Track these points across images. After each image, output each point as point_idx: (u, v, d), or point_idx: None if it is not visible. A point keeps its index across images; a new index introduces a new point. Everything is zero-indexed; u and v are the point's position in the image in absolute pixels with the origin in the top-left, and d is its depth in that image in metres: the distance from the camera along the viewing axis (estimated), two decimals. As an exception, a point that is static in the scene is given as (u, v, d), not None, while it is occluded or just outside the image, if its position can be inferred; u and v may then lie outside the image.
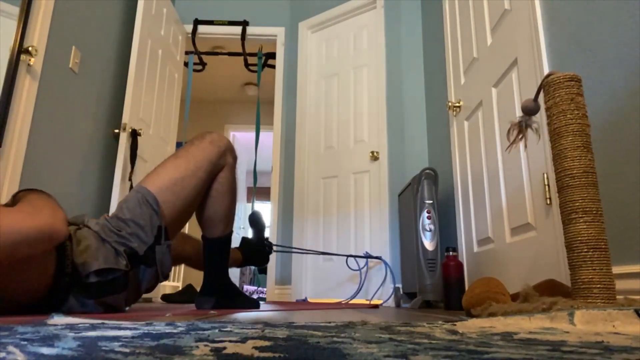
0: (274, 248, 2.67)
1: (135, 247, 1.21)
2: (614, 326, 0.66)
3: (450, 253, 2.05)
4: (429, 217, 2.37)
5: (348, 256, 2.99)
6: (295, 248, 3.21)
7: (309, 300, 3.18)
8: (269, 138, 4.33)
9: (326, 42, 3.72)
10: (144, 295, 3.14)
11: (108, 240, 1.18)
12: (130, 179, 2.75)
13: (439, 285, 2.24)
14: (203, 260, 1.59)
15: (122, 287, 1.20)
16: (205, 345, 0.42)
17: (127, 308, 1.32)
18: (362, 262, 3.00)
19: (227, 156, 1.50)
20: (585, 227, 0.91)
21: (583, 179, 0.93)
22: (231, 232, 1.60)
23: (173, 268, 3.96)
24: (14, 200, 1.06)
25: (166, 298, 3.18)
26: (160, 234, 1.27)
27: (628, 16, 1.20)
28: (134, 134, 2.84)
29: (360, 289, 2.95)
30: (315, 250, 3.27)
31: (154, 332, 0.55)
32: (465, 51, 2.37)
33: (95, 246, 1.15)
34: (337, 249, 3.18)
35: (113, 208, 2.45)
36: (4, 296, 1.01)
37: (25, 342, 0.42)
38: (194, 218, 1.56)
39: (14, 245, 0.90)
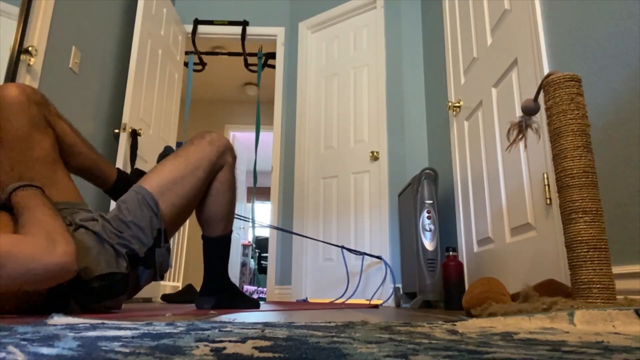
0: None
1: (136, 249, 1.21)
2: (614, 326, 0.66)
3: (450, 253, 2.05)
4: (429, 217, 2.37)
5: (343, 248, 2.99)
6: (278, 227, 3.20)
7: (309, 300, 3.18)
8: (269, 138, 4.33)
9: (326, 42, 3.72)
10: (144, 296, 3.15)
11: (109, 242, 1.16)
12: (130, 179, 2.74)
13: (439, 285, 2.23)
14: (203, 260, 1.58)
15: (123, 290, 1.19)
16: (205, 345, 0.42)
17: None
18: (361, 258, 3.00)
19: (226, 155, 1.50)
20: (585, 227, 0.91)
21: (583, 179, 0.93)
22: (231, 231, 1.60)
23: (173, 268, 3.96)
24: (14, 205, 1.01)
25: (166, 298, 3.18)
26: (159, 236, 1.27)
27: (628, 16, 1.20)
28: (134, 134, 2.84)
29: (358, 286, 2.95)
30: (315, 245, 3.27)
31: (154, 332, 0.55)
32: (465, 51, 2.37)
33: (96, 250, 1.13)
34: (337, 249, 3.18)
35: (112, 208, 2.45)
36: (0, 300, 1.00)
37: (25, 342, 0.42)
38: (193, 217, 1.56)
39: (24, 279, 0.87)
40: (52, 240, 0.92)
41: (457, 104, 2.44)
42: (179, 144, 3.80)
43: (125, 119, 2.77)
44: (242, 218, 3.25)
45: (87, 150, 1.36)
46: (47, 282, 0.93)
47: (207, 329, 0.59)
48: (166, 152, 1.56)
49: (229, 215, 1.57)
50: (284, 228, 3.44)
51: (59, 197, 1.19)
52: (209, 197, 1.49)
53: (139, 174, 1.50)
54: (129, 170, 2.77)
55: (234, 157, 1.55)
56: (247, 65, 4.41)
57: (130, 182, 1.39)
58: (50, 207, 1.02)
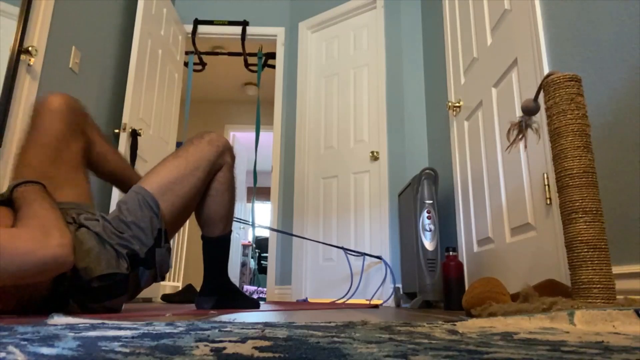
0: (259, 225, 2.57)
1: (137, 250, 1.21)
2: (614, 326, 0.66)
3: (450, 253, 2.05)
4: (429, 217, 2.37)
5: (345, 249, 2.99)
6: (281, 231, 3.20)
7: (309, 300, 3.18)
8: (269, 138, 4.33)
9: (326, 42, 3.72)
10: (144, 296, 3.15)
11: (109, 242, 1.16)
12: (130, 179, 2.75)
13: (439, 285, 2.23)
14: (203, 260, 1.58)
15: (123, 290, 1.19)
16: (205, 345, 0.42)
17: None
18: (361, 258, 3.00)
19: (225, 156, 1.51)
20: (585, 227, 0.91)
21: (583, 179, 0.93)
22: (230, 231, 1.60)
23: (173, 268, 3.96)
24: (14, 200, 1.03)
25: (166, 298, 3.18)
26: (160, 236, 1.27)
27: (628, 16, 1.20)
28: (134, 134, 2.84)
29: (358, 286, 2.95)
30: (314, 243, 3.27)
31: (154, 332, 0.55)
32: (465, 51, 2.37)
33: (96, 250, 1.13)
34: (336, 249, 3.18)
35: (112, 207, 2.45)
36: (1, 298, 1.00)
37: (25, 342, 0.42)
38: (193, 217, 1.56)
39: (19, 272, 0.88)
40: (46, 232, 0.93)
41: (457, 104, 2.44)
42: (178, 144, 3.79)
43: (125, 119, 2.77)
44: (242, 221, 3.24)
45: (116, 159, 1.50)
46: (42, 275, 0.93)
47: (207, 329, 0.59)
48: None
49: (229, 215, 1.57)
50: (284, 230, 3.45)
51: (73, 197, 1.25)
52: (208, 198, 1.50)
53: None
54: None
55: (233, 157, 1.55)
56: (247, 65, 4.41)
57: None
58: (48, 201, 1.03)
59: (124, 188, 1.49)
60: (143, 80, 3.00)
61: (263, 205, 7.53)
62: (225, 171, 1.52)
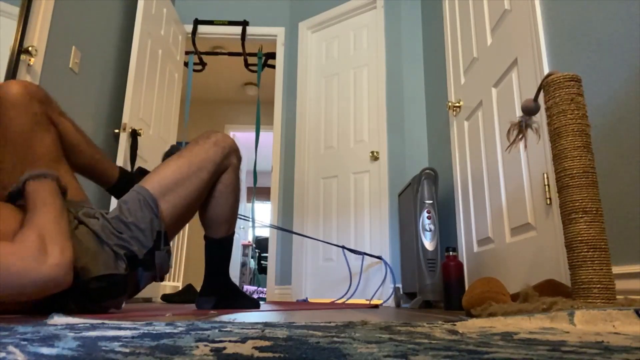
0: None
1: (135, 251, 1.19)
2: (614, 326, 0.66)
3: (450, 253, 2.05)
4: (429, 217, 2.37)
5: (343, 247, 2.99)
6: (276, 226, 3.20)
7: (309, 300, 3.18)
8: (269, 138, 4.33)
9: (326, 42, 3.72)
10: (144, 296, 3.15)
11: (108, 243, 1.15)
12: (130, 179, 2.75)
13: (439, 285, 2.23)
14: (204, 260, 1.58)
15: (122, 291, 1.19)
16: (205, 345, 0.42)
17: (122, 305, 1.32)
18: (361, 258, 3.00)
19: (231, 157, 1.49)
20: (585, 227, 0.91)
21: (583, 179, 0.93)
22: (233, 233, 1.60)
23: (173, 268, 3.96)
24: (26, 195, 1.00)
25: (166, 298, 3.18)
26: (159, 238, 1.26)
27: (628, 16, 1.20)
28: (134, 134, 2.84)
29: (357, 286, 2.95)
30: (313, 241, 3.27)
31: (154, 332, 0.55)
32: (465, 51, 2.37)
33: (94, 250, 1.12)
34: (336, 249, 3.18)
35: (112, 206, 2.45)
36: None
37: (25, 342, 0.42)
38: (195, 217, 1.55)
39: (15, 290, 0.86)
40: (44, 250, 0.89)
41: (457, 104, 2.44)
42: (178, 144, 3.79)
43: (125, 119, 2.77)
44: (243, 218, 3.24)
45: (90, 149, 1.36)
46: (38, 294, 0.91)
47: (207, 329, 0.59)
48: (171, 151, 1.53)
49: (232, 217, 1.56)
50: (284, 228, 3.45)
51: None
52: (213, 199, 1.48)
53: (141, 172, 1.50)
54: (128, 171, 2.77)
55: (239, 159, 1.54)
56: (247, 65, 4.41)
57: (133, 181, 1.38)
58: (56, 207, 0.99)
59: (100, 180, 1.42)
60: (143, 80, 3.00)
61: (263, 205, 7.53)
62: (231, 173, 1.50)
